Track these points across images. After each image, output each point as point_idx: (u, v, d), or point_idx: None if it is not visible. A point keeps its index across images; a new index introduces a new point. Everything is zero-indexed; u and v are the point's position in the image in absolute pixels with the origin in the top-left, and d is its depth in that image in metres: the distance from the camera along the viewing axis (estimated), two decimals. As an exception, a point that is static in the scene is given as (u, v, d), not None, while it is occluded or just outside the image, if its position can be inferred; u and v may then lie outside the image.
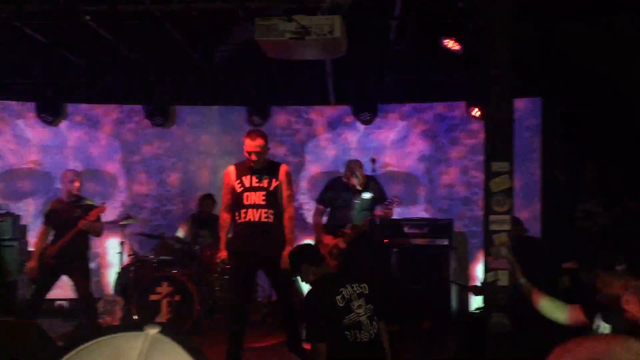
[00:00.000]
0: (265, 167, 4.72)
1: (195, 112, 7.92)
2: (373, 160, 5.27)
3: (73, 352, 0.78)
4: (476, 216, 7.33)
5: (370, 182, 5.78)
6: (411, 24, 5.40)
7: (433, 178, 7.61)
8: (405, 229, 6.68)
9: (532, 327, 3.37)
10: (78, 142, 7.88)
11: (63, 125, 7.82)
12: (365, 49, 5.53)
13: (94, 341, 0.78)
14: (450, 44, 5.47)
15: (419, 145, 7.63)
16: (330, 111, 7.79)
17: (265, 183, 4.67)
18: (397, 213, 6.68)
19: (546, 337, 3.31)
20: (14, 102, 7.77)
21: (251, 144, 4.62)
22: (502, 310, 3.52)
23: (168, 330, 0.79)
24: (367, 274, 5.68)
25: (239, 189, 4.68)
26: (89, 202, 5.87)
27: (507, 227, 3.51)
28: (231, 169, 4.80)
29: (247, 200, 4.66)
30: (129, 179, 7.88)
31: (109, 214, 6.50)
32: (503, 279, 3.51)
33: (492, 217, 3.53)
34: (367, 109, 7.37)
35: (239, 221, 4.71)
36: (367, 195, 5.70)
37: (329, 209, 5.87)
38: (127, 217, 6.82)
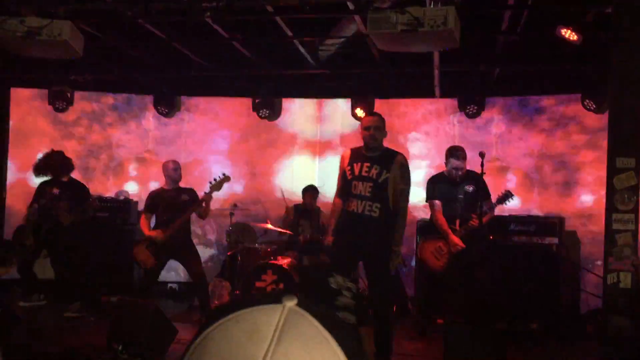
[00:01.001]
0: (379, 155, 4.47)
1: (300, 104, 8.07)
2: (482, 154, 5.11)
3: (212, 326, 0.77)
4: (590, 214, 6.99)
5: (471, 175, 5.62)
6: (525, 13, 5.20)
7: (544, 174, 7.31)
8: (512, 226, 6.47)
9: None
10: (192, 133, 8.27)
11: (177, 117, 8.24)
12: (476, 40, 5.38)
13: (233, 315, 0.76)
14: (568, 33, 5.21)
15: (528, 140, 7.36)
16: (434, 105, 7.67)
17: (374, 174, 4.44)
18: (505, 210, 6.49)
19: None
20: (134, 95, 8.28)
21: (366, 120, 4.48)
22: (622, 314, 3.33)
23: (306, 302, 0.76)
24: (477, 271, 5.60)
25: (349, 176, 4.52)
26: (190, 190, 6.16)
27: (631, 226, 3.31)
28: (346, 152, 4.65)
29: (354, 190, 4.48)
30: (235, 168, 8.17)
31: (216, 202, 6.77)
32: (625, 281, 3.33)
33: (616, 216, 3.35)
34: (473, 102, 7.19)
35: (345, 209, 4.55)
36: (469, 188, 5.56)
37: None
38: (234, 205, 7.07)
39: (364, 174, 4.42)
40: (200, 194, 5.95)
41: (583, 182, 7.13)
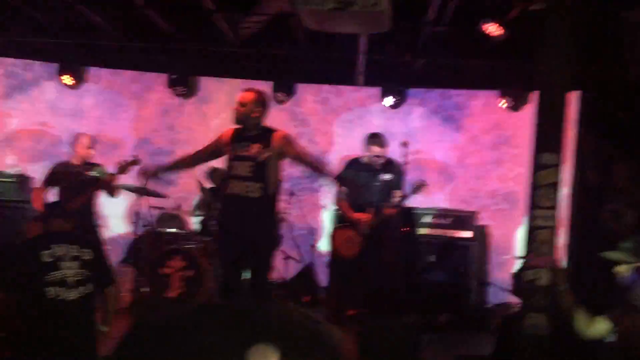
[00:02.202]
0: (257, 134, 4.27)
1: (219, 85, 7.72)
2: (405, 144, 5.04)
3: None
4: (501, 210, 7.13)
5: (391, 164, 5.55)
6: (452, 4, 5.14)
7: (458, 168, 7.38)
8: (427, 219, 6.49)
9: (571, 330, 3.17)
10: (97, 108, 7.72)
11: (84, 89, 7.66)
12: (401, 28, 5.26)
13: None
14: (492, 28, 5.21)
15: (447, 134, 7.40)
16: (357, 93, 7.56)
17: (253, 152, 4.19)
18: (419, 202, 6.49)
19: (584, 341, 3.13)
20: (36, 62, 7.61)
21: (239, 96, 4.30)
22: (540, 311, 3.31)
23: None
24: (389, 262, 5.54)
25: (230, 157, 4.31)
26: (101, 169, 5.76)
27: (552, 223, 3.30)
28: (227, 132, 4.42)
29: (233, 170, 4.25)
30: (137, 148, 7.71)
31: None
32: (543, 278, 3.31)
33: (537, 212, 3.32)
34: (396, 92, 7.13)
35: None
36: (387, 177, 5.48)
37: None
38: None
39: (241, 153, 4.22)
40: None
41: (500, 178, 7.26)
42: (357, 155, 5.70)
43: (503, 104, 6.87)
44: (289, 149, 4.30)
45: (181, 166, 4.60)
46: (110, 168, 5.78)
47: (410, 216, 6.24)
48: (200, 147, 4.57)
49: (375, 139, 5.45)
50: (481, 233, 6.79)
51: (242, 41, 6.79)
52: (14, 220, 6.58)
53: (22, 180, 6.91)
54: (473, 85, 7.20)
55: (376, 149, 5.38)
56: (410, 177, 5.63)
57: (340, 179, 5.54)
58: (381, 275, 5.51)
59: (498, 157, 7.26)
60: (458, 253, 6.29)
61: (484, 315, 6.21)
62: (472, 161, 7.33)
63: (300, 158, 4.44)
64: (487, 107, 7.28)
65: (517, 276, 4.47)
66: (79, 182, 5.63)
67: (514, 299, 5.84)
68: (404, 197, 5.43)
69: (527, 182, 3.53)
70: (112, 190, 5.74)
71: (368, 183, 5.44)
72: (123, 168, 5.62)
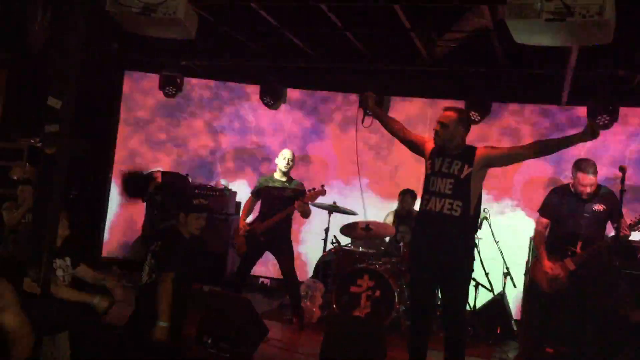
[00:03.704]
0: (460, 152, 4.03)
1: (409, 105, 7.65)
2: (622, 170, 4.47)
3: None
4: None
5: (602, 192, 4.95)
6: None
7: None
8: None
9: None
10: (295, 126, 8.06)
11: (282, 108, 8.05)
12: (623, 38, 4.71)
13: None
14: None
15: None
16: (561, 114, 7.01)
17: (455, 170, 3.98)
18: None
19: None
20: (237, 84, 8.19)
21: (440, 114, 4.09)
22: None
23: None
24: (599, 300, 4.97)
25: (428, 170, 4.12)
26: (299, 185, 5.94)
27: None
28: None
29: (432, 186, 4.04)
30: (340, 168, 7.85)
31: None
32: None
33: None
34: (605, 112, 6.45)
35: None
36: (598, 208, 4.87)
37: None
38: (334, 205, 6.75)
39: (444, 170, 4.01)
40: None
41: None
42: (565, 183, 5.20)
43: None
44: (494, 151, 4.04)
45: (386, 122, 4.37)
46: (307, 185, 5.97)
47: (628, 250, 5.56)
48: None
49: (582, 166, 4.88)
50: None
51: (436, 59, 6.66)
52: (223, 231, 7.10)
53: (230, 194, 7.45)
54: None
55: (584, 178, 4.82)
56: (628, 206, 5.01)
57: (542, 211, 5.11)
58: (587, 313, 4.94)
59: None
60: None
61: None
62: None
63: (511, 151, 4.15)
64: None
65: None
66: (277, 200, 5.85)
67: None
68: (622, 231, 4.76)
69: None
70: (307, 212, 5.92)
71: (576, 213, 4.91)
72: (312, 197, 5.85)
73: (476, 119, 6.93)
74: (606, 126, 6.45)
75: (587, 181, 4.79)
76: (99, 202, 8.23)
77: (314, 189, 5.87)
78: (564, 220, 5.00)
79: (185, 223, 4.40)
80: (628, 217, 4.91)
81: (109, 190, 8.33)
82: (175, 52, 7.53)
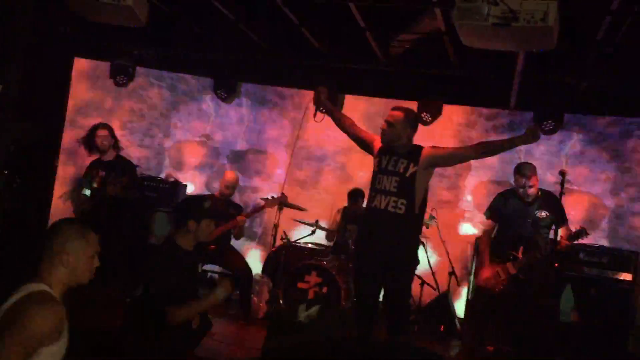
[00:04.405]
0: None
1: (362, 103, 7.70)
2: (562, 173, 4.60)
3: None
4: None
5: (544, 197, 5.09)
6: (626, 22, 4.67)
7: (620, 203, 6.72)
8: (581, 256, 5.94)
9: None
10: (248, 120, 8.01)
11: (236, 103, 7.99)
12: (566, 47, 4.85)
13: None
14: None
15: (605, 165, 6.78)
16: (507, 118, 7.18)
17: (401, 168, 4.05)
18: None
19: None
20: (190, 77, 8.08)
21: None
22: None
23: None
24: (538, 301, 5.10)
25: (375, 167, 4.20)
26: (238, 208, 6.25)
27: None
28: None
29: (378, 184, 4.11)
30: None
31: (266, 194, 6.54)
32: None
33: None
34: (551, 117, 6.64)
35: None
36: (541, 215, 5.00)
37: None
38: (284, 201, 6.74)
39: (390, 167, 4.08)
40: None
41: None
42: (509, 187, 5.32)
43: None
44: (439, 151, 4.11)
45: (337, 117, 4.44)
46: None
47: (569, 252, 5.71)
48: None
49: (519, 168, 5.01)
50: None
51: (391, 59, 6.72)
52: (168, 223, 6.99)
53: (180, 187, 7.34)
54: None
55: (520, 180, 4.94)
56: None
57: (489, 210, 5.21)
58: (527, 314, 5.07)
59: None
60: (616, 296, 5.68)
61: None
62: (633, 195, 6.65)
63: (456, 151, 4.27)
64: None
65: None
66: (221, 215, 5.84)
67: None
68: (562, 241, 4.88)
69: None
70: (239, 233, 6.16)
71: (519, 217, 5.04)
72: (271, 204, 6.05)
73: (428, 120, 7.04)
74: (551, 131, 6.65)
75: (525, 182, 4.93)
76: (44, 191, 7.99)
77: (272, 196, 6.08)
78: (508, 224, 5.12)
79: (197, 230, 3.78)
80: (572, 226, 5.05)
81: (54, 179, 8.10)
82: (128, 41, 7.38)
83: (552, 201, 5.05)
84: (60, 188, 7.80)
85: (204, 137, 8.08)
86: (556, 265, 5.76)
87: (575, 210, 6.62)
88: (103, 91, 8.18)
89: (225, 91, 7.74)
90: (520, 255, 4.95)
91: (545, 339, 5.24)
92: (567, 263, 5.89)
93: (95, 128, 5.78)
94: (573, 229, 4.97)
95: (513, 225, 5.07)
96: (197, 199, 4.18)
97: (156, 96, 8.20)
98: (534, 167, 5.00)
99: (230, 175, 6.35)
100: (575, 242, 4.90)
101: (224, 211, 6.00)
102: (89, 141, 5.76)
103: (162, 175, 7.69)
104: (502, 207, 5.14)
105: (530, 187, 4.93)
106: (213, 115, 8.09)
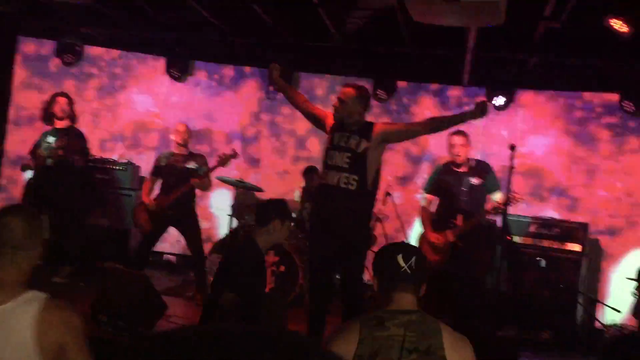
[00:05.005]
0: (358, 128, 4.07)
1: (318, 81, 7.66)
2: (512, 147, 4.68)
3: None
4: (614, 225, 6.58)
5: (477, 166, 5.20)
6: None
7: (571, 177, 6.89)
8: (532, 229, 6.09)
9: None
10: (202, 99, 7.89)
11: (190, 82, 7.85)
12: (514, 24, 4.90)
13: None
14: (618, 24, 4.77)
15: (558, 139, 6.93)
16: (460, 92, 7.25)
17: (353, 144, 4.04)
18: (524, 210, 6.12)
19: None
20: (144, 55, 7.89)
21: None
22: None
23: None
24: (477, 272, 5.21)
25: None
26: (202, 159, 5.88)
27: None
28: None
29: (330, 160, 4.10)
30: (245, 143, 7.78)
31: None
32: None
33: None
34: (502, 93, 6.74)
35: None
36: (475, 182, 5.11)
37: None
38: (240, 181, 6.68)
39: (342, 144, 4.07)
40: (212, 162, 5.82)
41: (615, 188, 6.70)
42: (447, 160, 5.40)
43: (626, 108, 6.32)
44: (392, 127, 4.20)
45: (291, 95, 4.42)
46: (211, 161, 5.89)
47: (512, 225, 5.83)
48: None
49: (453, 133, 5.08)
50: (593, 247, 6.28)
51: (345, 37, 6.68)
52: (126, 207, 6.86)
53: (133, 168, 7.18)
54: (590, 88, 6.69)
55: (452, 138, 5.05)
56: (516, 183, 5.26)
57: (429, 185, 5.30)
58: (466, 285, 5.16)
59: (610, 167, 6.71)
60: (565, 267, 5.85)
61: (591, 336, 5.75)
62: (583, 168, 6.83)
63: (407, 127, 4.35)
64: (605, 111, 6.74)
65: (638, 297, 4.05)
66: (179, 173, 5.76)
67: (630, 321, 5.36)
68: (500, 206, 4.96)
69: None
70: (206, 186, 5.93)
71: (455, 187, 5.14)
72: (223, 161, 5.76)
73: (383, 97, 7.05)
74: (502, 107, 6.76)
75: (453, 150, 5.02)
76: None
77: (224, 153, 5.84)
78: (445, 195, 5.23)
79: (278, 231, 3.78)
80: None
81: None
82: (76, 19, 7.15)
83: (485, 169, 5.20)
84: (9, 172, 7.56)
85: (158, 118, 7.93)
86: (509, 238, 5.91)
87: (526, 183, 6.76)
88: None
89: (178, 70, 7.60)
90: (459, 223, 5.05)
91: (489, 312, 5.35)
92: (520, 234, 6.01)
93: (55, 95, 5.97)
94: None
95: (451, 195, 5.18)
96: (281, 200, 4.13)
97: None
98: (465, 135, 5.11)
99: (180, 126, 6.07)
100: (504, 206, 4.91)
101: (182, 167, 5.84)
102: (47, 108, 5.89)
103: (115, 157, 7.52)
104: (439, 179, 5.24)
105: (458, 155, 5.05)
106: (159, 95, 7.93)
